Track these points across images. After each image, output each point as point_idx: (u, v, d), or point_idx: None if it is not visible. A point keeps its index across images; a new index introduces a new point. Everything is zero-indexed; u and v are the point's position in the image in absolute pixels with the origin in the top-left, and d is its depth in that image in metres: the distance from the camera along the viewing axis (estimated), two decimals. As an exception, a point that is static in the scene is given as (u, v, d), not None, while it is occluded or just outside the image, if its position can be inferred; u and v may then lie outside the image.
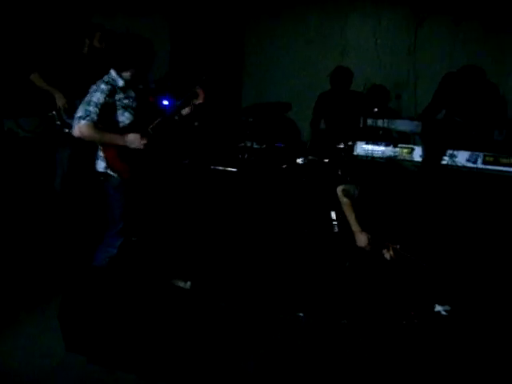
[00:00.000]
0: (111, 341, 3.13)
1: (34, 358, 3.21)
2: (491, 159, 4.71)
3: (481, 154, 4.73)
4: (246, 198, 5.48)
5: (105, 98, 3.50)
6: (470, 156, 4.77)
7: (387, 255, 3.80)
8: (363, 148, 5.12)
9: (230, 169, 5.97)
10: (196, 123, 4.82)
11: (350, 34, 6.84)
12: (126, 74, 3.65)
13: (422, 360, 3.09)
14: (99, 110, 3.46)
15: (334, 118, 5.88)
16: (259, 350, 3.22)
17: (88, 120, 3.42)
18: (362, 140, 5.14)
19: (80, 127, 3.43)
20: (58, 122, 4.75)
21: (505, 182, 4.57)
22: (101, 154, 3.65)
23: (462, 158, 4.77)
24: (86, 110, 3.45)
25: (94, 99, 3.48)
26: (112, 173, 3.63)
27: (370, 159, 5.07)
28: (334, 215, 4.79)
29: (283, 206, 5.24)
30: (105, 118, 3.51)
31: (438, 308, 3.57)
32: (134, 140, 3.56)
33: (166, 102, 6.09)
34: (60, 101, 4.67)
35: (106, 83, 3.57)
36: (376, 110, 5.39)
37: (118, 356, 3.13)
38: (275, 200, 5.29)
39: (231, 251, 4.47)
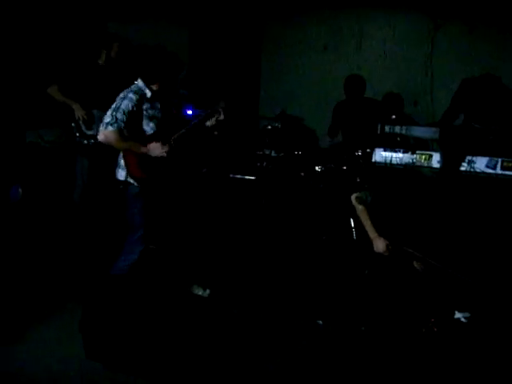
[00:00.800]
0: (131, 348, 3.17)
1: (52, 364, 3.25)
2: (510, 165, 4.68)
3: (499, 160, 4.71)
4: (265, 206, 5.50)
5: (133, 107, 3.60)
6: (489, 162, 4.74)
7: (417, 266, 3.79)
8: (381, 155, 5.11)
9: (248, 177, 6.00)
10: (216, 132, 4.86)
11: (364, 40, 6.83)
12: (154, 86, 3.74)
13: (441, 367, 3.08)
14: (127, 117, 3.57)
15: (351, 126, 5.89)
16: (277, 357, 3.23)
17: (115, 126, 3.53)
18: (380, 147, 5.13)
19: (106, 133, 3.54)
20: (78, 134, 4.82)
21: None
22: (121, 162, 3.72)
23: (480, 163, 4.74)
24: (114, 117, 3.54)
25: (123, 107, 3.58)
26: (132, 181, 3.68)
27: (388, 166, 5.06)
28: (352, 222, 4.80)
29: (302, 213, 5.25)
30: (131, 126, 3.61)
31: (457, 315, 3.55)
32: (155, 148, 3.64)
33: (189, 112, 6.18)
34: (78, 112, 4.74)
35: (135, 93, 3.67)
36: (394, 116, 5.39)
37: (136, 363, 3.17)
38: (294, 208, 5.31)
39: (251, 258, 4.48)
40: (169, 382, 3.12)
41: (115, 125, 3.52)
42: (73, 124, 4.84)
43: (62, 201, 5.20)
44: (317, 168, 5.53)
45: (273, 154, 6.01)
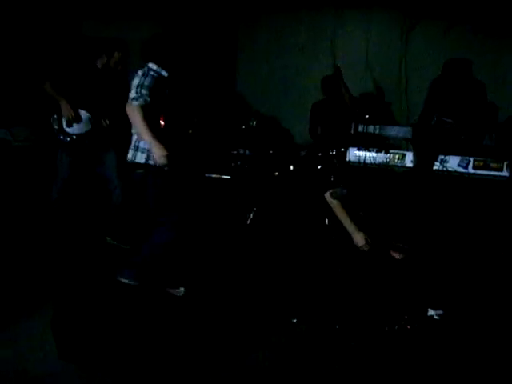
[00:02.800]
0: (104, 349, 3.13)
1: (23, 364, 3.19)
2: (481, 164, 4.76)
3: (471, 159, 4.78)
4: (240, 205, 5.48)
5: (154, 84, 3.52)
6: (461, 161, 4.82)
7: (396, 255, 3.78)
8: (355, 154, 5.15)
9: (224, 176, 5.98)
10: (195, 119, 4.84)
11: (340, 40, 6.88)
12: (166, 71, 3.69)
13: (414, 364, 3.10)
14: (150, 94, 3.49)
15: (328, 126, 5.90)
16: (252, 355, 3.22)
17: (141, 101, 3.47)
18: (354, 146, 5.17)
19: (132, 107, 3.48)
20: (56, 127, 4.75)
21: (494, 186, 4.62)
22: (142, 145, 3.64)
23: (453, 163, 4.81)
24: (138, 92, 3.47)
25: (146, 83, 3.50)
26: (153, 163, 3.60)
27: (362, 165, 5.10)
28: (327, 221, 4.81)
29: (276, 212, 5.25)
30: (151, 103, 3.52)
31: (430, 312, 3.58)
32: (160, 155, 3.50)
33: None
34: (65, 110, 4.67)
35: (154, 71, 3.60)
36: (367, 116, 5.42)
37: (110, 364, 3.13)
38: (268, 206, 5.30)
39: (224, 258, 4.46)
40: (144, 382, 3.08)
41: (141, 99, 3.45)
42: (55, 116, 4.76)
43: (37, 198, 5.14)
44: (292, 167, 5.54)
45: (247, 153, 6.00)
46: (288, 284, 4.20)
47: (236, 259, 4.37)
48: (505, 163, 4.71)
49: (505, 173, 4.70)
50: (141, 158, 3.64)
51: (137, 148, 3.68)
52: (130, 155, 3.71)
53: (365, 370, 3.08)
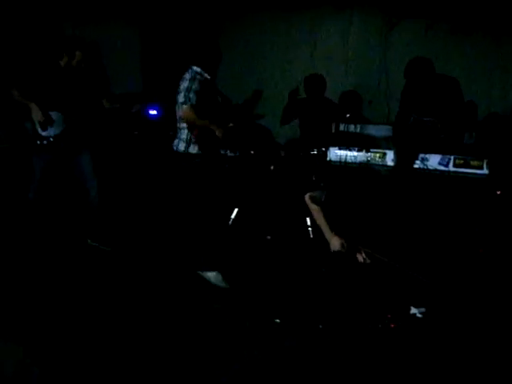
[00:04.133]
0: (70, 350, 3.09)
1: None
2: (462, 162, 4.78)
3: (452, 157, 4.80)
4: (222, 204, 5.44)
5: (201, 87, 4.10)
6: (442, 159, 4.83)
7: (360, 258, 3.80)
8: (336, 153, 5.14)
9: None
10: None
11: (320, 39, 6.87)
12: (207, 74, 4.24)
13: (397, 362, 3.10)
14: (197, 97, 4.05)
15: (309, 125, 5.89)
16: (237, 357, 3.19)
17: (188, 105, 4.03)
18: (334, 146, 5.16)
19: (183, 111, 4.07)
20: (31, 133, 4.70)
21: (475, 184, 4.65)
22: (193, 139, 4.20)
23: (433, 161, 4.82)
24: (187, 97, 4.05)
25: (194, 87, 4.08)
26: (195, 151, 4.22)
27: (343, 164, 5.09)
28: (309, 221, 4.81)
29: (258, 212, 5.23)
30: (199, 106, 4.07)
31: (413, 310, 3.58)
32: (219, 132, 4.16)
33: (153, 112, 6.16)
34: (35, 113, 4.61)
35: (200, 75, 4.18)
36: (348, 115, 5.42)
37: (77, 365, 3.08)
38: (250, 206, 5.28)
39: (207, 258, 4.42)
40: None
41: (188, 103, 4.02)
42: (28, 122, 4.70)
43: (14, 198, 5.08)
44: (272, 167, 5.51)
45: (228, 153, 5.96)
46: (271, 284, 4.19)
47: (218, 259, 4.34)
48: (485, 161, 4.73)
49: (485, 171, 4.73)
50: (193, 149, 4.22)
51: (189, 141, 4.22)
52: (181, 147, 4.25)
53: (350, 368, 3.07)
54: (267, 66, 7.15)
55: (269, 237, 5.00)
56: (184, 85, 4.11)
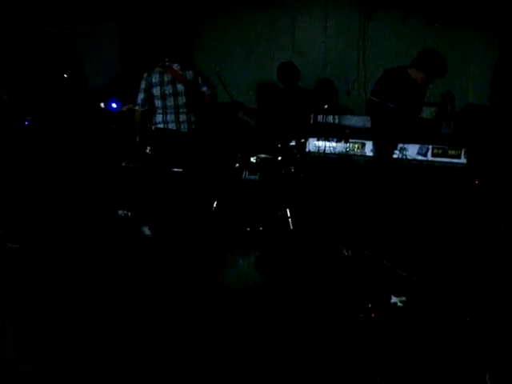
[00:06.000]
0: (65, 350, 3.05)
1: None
2: (440, 151, 4.81)
3: (430, 147, 4.82)
4: (206, 197, 5.41)
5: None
6: (420, 149, 4.85)
7: (344, 251, 3.82)
8: (315, 144, 5.14)
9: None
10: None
11: (298, 30, 6.84)
12: None
13: (379, 351, 3.10)
14: None
15: (285, 116, 5.87)
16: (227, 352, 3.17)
17: None
18: (313, 136, 5.16)
19: None
20: None
21: (453, 173, 4.68)
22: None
23: (412, 151, 4.84)
24: None
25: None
26: None
27: (322, 155, 5.10)
28: (289, 212, 4.80)
29: (239, 204, 5.20)
30: None
31: (394, 299, 3.59)
32: None
33: (114, 105, 6.08)
34: None
35: None
36: (326, 106, 5.42)
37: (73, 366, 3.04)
38: (231, 199, 5.25)
39: (194, 252, 4.39)
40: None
41: None
42: None
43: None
44: (252, 159, 5.48)
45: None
46: (252, 275, 4.17)
47: (199, 250, 4.32)
48: (463, 150, 4.76)
49: (463, 160, 4.76)
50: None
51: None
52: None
53: (332, 357, 3.07)
54: (245, 58, 7.10)
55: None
56: None
